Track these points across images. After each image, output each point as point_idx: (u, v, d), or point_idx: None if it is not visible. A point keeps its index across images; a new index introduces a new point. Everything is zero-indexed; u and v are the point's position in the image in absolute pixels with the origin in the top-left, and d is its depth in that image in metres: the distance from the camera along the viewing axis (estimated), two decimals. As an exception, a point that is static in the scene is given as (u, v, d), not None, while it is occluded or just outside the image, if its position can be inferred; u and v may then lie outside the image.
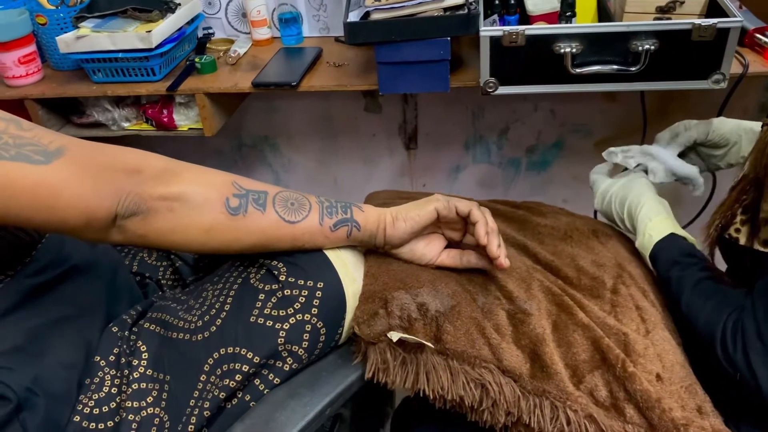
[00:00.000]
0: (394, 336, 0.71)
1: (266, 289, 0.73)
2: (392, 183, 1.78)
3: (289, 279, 0.72)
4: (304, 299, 0.71)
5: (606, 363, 0.75)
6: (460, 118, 1.68)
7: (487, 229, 0.76)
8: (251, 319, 0.71)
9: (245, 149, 1.80)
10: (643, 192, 0.94)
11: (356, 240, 0.77)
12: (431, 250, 0.80)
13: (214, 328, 0.72)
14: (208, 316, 0.73)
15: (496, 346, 0.75)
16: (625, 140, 1.10)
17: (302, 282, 0.72)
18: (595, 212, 1.20)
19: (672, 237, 0.84)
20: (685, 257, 0.81)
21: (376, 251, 0.81)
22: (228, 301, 0.74)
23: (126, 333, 0.76)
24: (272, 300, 0.72)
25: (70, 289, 0.78)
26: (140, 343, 0.75)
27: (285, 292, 0.72)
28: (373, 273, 0.77)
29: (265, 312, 0.71)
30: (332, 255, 0.75)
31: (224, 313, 0.73)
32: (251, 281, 0.74)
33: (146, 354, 0.74)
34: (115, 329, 0.77)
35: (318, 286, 0.72)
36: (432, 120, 1.69)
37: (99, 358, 0.75)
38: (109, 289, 0.83)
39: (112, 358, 0.75)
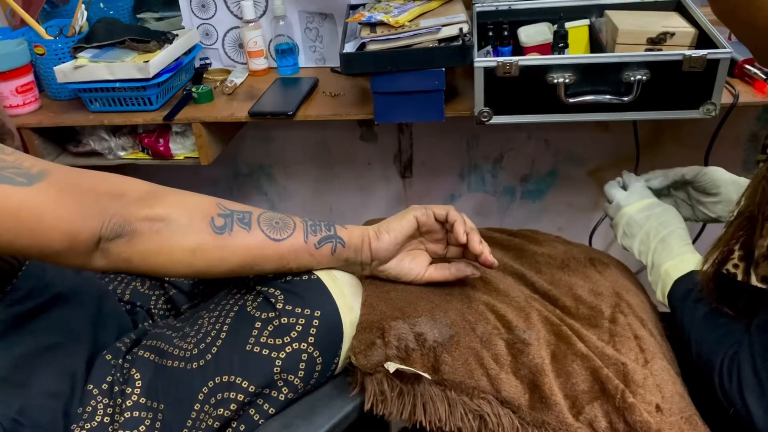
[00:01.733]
0: (391, 367, 0.71)
1: (263, 317, 0.72)
2: (388, 211, 1.79)
3: (286, 307, 0.72)
4: (300, 328, 0.71)
5: (605, 393, 0.74)
6: (455, 147, 1.69)
7: (465, 228, 0.78)
8: (247, 348, 0.71)
9: (241, 178, 1.81)
10: (674, 226, 0.92)
11: (342, 257, 0.77)
12: (418, 264, 0.81)
13: (210, 356, 0.72)
14: (203, 344, 0.73)
15: (495, 376, 0.74)
16: (619, 169, 1.11)
17: (299, 310, 0.71)
18: (590, 239, 1.20)
19: (691, 273, 0.85)
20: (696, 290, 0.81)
21: (374, 279, 0.80)
22: (224, 328, 0.73)
23: (120, 361, 0.76)
24: (268, 328, 0.71)
25: (54, 317, 0.76)
26: (134, 370, 0.74)
27: (282, 320, 0.71)
28: (371, 302, 0.76)
29: (261, 340, 0.71)
30: (329, 282, 0.75)
31: (220, 341, 0.72)
32: (248, 309, 0.74)
33: (140, 382, 0.73)
34: (108, 357, 0.76)
35: (315, 314, 0.72)
36: (427, 149, 1.70)
37: (92, 386, 0.73)
38: (95, 317, 0.81)
39: (105, 386, 0.74)
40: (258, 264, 0.73)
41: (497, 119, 1.19)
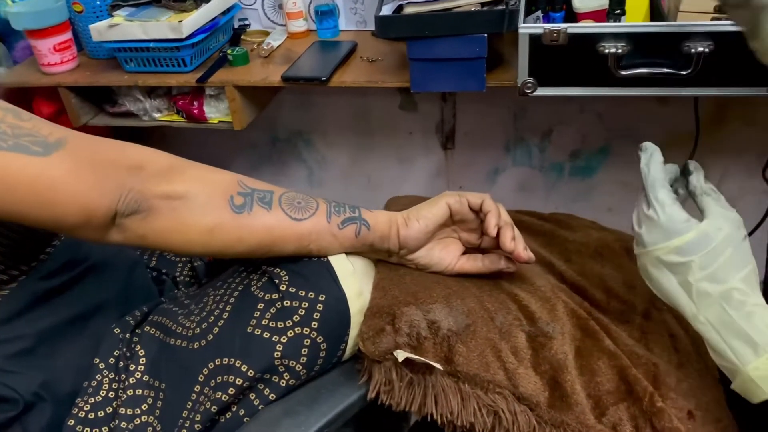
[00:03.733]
0: (400, 355, 0.66)
1: (266, 298, 0.69)
2: (428, 184, 1.73)
3: (290, 289, 0.68)
4: (303, 312, 0.67)
5: (632, 396, 0.68)
6: (500, 119, 1.61)
7: (498, 221, 0.72)
8: (248, 330, 0.68)
9: (279, 144, 1.78)
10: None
11: (366, 242, 0.72)
12: (449, 254, 0.75)
13: (211, 336, 0.69)
14: (206, 323, 0.70)
15: (513, 370, 0.69)
16: (677, 148, 1.02)
17: (303, 293, 0.68)
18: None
19: None
20: None
21: (388, 262, 0.76)
22: (227, 308, 0.70)
23: (128, 335, 0.74)
24: (271, 310, 0.68)
25: (85, 289, 0.76)
26: (139, 347, 0.72)
27: (284, 303, 0.67)
28: (383, 286, 0.72)
29: (263, 323, 0.68)
30: (339, 264, 0.71)
31: (222, 321, 0.69)
32: (252, 289, 0.71)
33: (144, 359, 0.71)
34: (117, 330, 0.74)
35: (319, 298, 0.68)
36: (471, 119, 1.62)
37: (98, 360, 0.72)
38: (125, 289, 0.81)
39: (111, 360, 0.72)
40: (277, 245, 0.69)
41: (542, 91, 1.11)
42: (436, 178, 1.74)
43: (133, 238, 0.65)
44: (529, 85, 1.11)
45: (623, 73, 1.04)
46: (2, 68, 1.45)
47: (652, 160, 0.67)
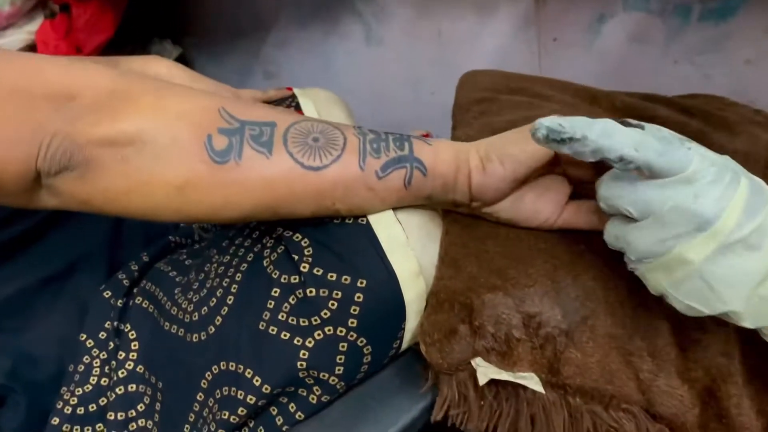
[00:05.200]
0: (482, 374, 0.44)
1: (283, 281, 0.47)
2: (513, 37, 1.39)
3: (315, 270, 0.45)
4: (336, 305, 0.45)
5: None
6: (609, -52, 1.22)
7: None
8: (260, 326, 0.47)
9: (330, -6, 1.46)
10: None
11: (421, 194, 0.48)
12: (548, 203, 0.49)
13: (213, 328, 0.49)
14: (205, 308, 0.50)
15: (649, 380, 0.46)
16: None
17: (333, 276, 0.45)
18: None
19: None
20: None
21: (456, 213, 0.51)
22: (231, 289, 0.49)
23: (120, 302, 0.55)
24: (290, 300, 0.46)
25: (55, 239, 0.59)
26: (129, 326, 0.54)
27: (308, 291, 0.45)
28: (454, 257, 0.48)
29: (280, 317, 0.46)
30: (384, 229, 0.47)
31: (225, 309, 0.49)
32: (264, 263, 0.49)
33: (136, 344, 0.53)
34: (107, 294, 0.56)
35: (358, 284, 0.45)
36: (570, -49, 1.25)
37: (85, 336, 0.55)
38: (114, 230, 0.62)
39: (102, 335, 0.55)
40: (284, 206, 0.46)
41: None
42: (523, 29, 1.39)
43: (72, 202, 0.44)
44: None
45: None
46: None
47: (603, 133, 0.39)
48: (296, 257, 0.46)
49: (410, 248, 0.47)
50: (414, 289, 0.46)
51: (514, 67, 1.40)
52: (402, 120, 1.40)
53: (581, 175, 0.48)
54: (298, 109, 0.88)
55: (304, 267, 0.46)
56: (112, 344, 0.54)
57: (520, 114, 0.65)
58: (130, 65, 0.76)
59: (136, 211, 0.44)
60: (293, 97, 0.89)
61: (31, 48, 1.08)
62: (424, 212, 0.50)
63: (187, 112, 0.43)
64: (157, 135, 0.42)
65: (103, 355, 0.54)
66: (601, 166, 0.48)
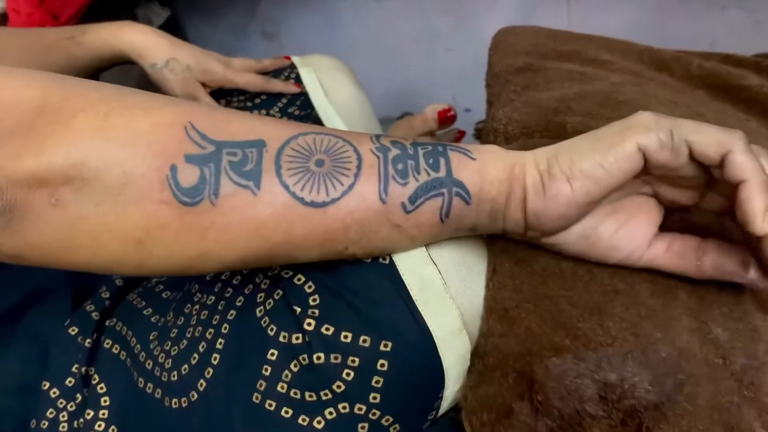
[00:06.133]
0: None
1: (281, 339, 0.36)
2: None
3: (323, 329, 0.34)
4: (353, 375, 0.34)
5: None
6: None
7: (764, 192, 0.31)
8: (254, 398, 0.36)
9: None
10: None
11: (461, 226, 0.36)
12: (631, 236, 0.37)
13: (195, 395, 0.38)
14: (186, 366, 0.39)
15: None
16: None
17: (348, 337, 0.34)
18: None
19: None
20: None
21: (506, 240, 0.39)
22: (217, 344, 0.38)
23: (89, 341, 0.45)
24: (291, 367, 0.35)
25: (10, 266, 0.48)
26: (97, 377, 0.43)
27: (315, 357, 0.34)
28: (504, 306, 0.36)
29: (279, 389, 0.35)
30: (413, 272, 0.35)
31: (210, 371, 0.38)
32: (257, 311, 0.37)
33: (107, 399, 0.43)
34: (73, 331, 0.46)
35: (382, 348, 0.34)
36: None
37: (48, 384, 0.45)
38: None
39: (70, 381, 0.45)
40: (279, 254, 0.34)
41: None
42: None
43: (3, 257, 0.32)
44: None
45: None
46: None
47: None
48: (298, 309, 0.35)
49: (449, 296, 0.35)
50: (455, 350, 0.35)
51: (540, 18, 1.25)
52: (415, 82, 1.27)
53: (679, 198, 0.36)
54: (298, 81, 0.76)
55: (309, 324, 0.34)
56: (80, 396, 0.44)
57: (573, 88, 0.53)
58: (98, 34, 0.64)
59: (86, 266, 0.33)
60: (292, 67, 0.76)
61: (2, 18, 0.95)
62: (462, 241, 0.38)
63: (143, 132, 0.30)
64: (100, 169, 0.30)
65: (71, 406, 0.44)
66: (707, 187, 0.35)
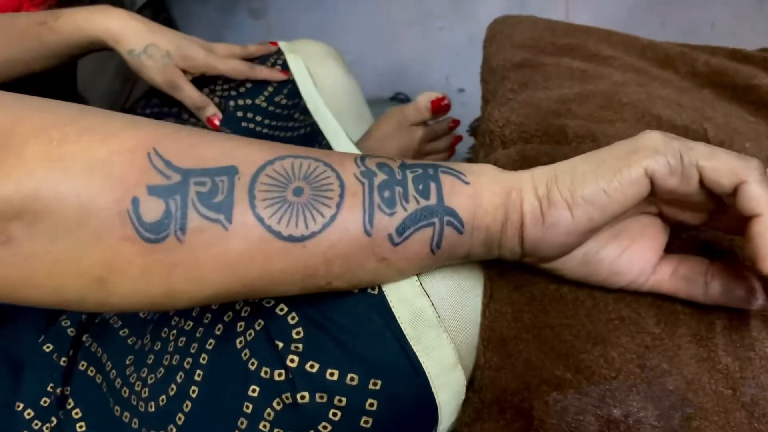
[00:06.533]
0: None
1: (263, 375, 0.33)
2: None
3: (307, 366, 0.32)
4: (340, 416, 0.32)
5: None
6: None
7: None
8: None
9: None
10: None
11: (453, 255, 0.33)
12: (635, 260, 0.34)
13: (174, 429, 0.36)
14: (164, 397, 0.37)
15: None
16: None
17: (334, 375, 0.32)
18: None
19: None
20: None
21: (502, 263, 0.37)
22: (195, 376, 0.36)
23: (65, 359, 0.43)
24: (274, 405, 0.33)
25: None
26: (72, 402, 0.41)
27: (299, 396, 0.32)
28: (502, 336, 0.34)
29: (262, 428, 0.33)
30: (404, 300, 0.33)
31: (188, 404, 0.36)
32: (237, 342, 0.35)
33: (82, 425, 0.41)
34: (48, 348, 0.44)
35: (371, 387, 0.32)
36: None
37: (22, 405, 0.42)
38: None
39: (45, 401, 0.43)
40: (255, 290, 0.31)
41: None
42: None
43: None
44: None
45: None
46: None
47: None
48: (281, 344, 0.33)
49: (443, 329, 0.33)
50: (450, 386, 0.33)
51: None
52: (408, 61, 1.23)
53: (686, 218, 0.33)
54: (284, 68, 0.72)
55: (293, 360, 0.32)
56: (54, 419, 0.42)
57: (574, 88, 0.50)
58: (72, 19, 0.60)
59: (46, 304, 0.30)
60: (279, 53, 0.73)
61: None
62: (457, 266, 0.36)
63: (100, 161, 0.27)
64: (54, 202, 0.27)
65: (47, 428, 0.42)
66: (716, 209, 0.33)
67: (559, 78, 0.51)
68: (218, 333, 0.36)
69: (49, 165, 0.27)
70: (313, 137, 0.70)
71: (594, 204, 0.31)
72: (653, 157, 0.30)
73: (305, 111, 0.73)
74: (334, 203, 0.30)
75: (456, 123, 0.82)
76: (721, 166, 0.29)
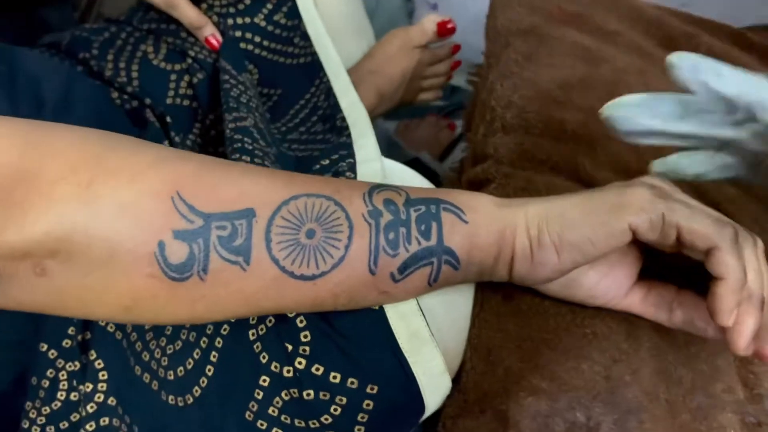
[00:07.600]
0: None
1: (273, 369, 0.37)
2: None
3: (313, 369, 0.36)
4: (340, 411, 0.36)
5: None
6: None
7: (737, 293, 0.32)
8: (247, 415, 0.38)
9: None
10: None
11: (448, 284, 0.37)
12: (611, 286, 0.38)
13: (191, 399, 0.40)
14: (182, 369, 0.41)
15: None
16: None
17: (336, 378, 0.36)
18: None
19: None
20: None
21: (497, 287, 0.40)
22: (211, 357, 0.40)
23: None
24: (282, 395, 0.37)
25: None
26: (95, 353, 0.45)
27: (305, 393, 0.36)
28: (488, 345, 0.38)
29: (270, 412, 0.38)
30: (402, 319, 0.37)
31: (205, 381, 0.40)
32: (250, 334, 0.39)
33: (105, 374, 0.45)
34: None
35: (368, 390, 0.36)
36: None
37: (46, 346, 0.46)
38: None
39: (67, 343, 0.46)
40: (270, 313, 0.36)
41: None
42: None
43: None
44: None
45: None
46: None
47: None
48: (290, 347, 0.36)
49: (434, 345, 0.37)
50: (438, 391, 0.37)
51: None
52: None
53: (661, 246, 0.36)
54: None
55: (300, 363, 0.36)
56: (78, 363, 0.45)
57: (577, 70, 0.50)
58: None
59: (73, 315, 0.33)
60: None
61: None
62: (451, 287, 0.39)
63: (128, 204, 0.29)
64: (85, 245, 0.28)
65: (70, 366, 0.46)
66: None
67: (563, 55, 0.51)
68: (232, 320, 0.40)
69: (79, 208, 0.28)
70: (313, 71, 0.69)
71: (579, 250, 0.34)
72: (638, 214, 0.33)
73: (305, 36, 0.71)
74: (343, 245, 0.32)
75: (457, 48, 0.81)
76: (698, 230, 0.32)
